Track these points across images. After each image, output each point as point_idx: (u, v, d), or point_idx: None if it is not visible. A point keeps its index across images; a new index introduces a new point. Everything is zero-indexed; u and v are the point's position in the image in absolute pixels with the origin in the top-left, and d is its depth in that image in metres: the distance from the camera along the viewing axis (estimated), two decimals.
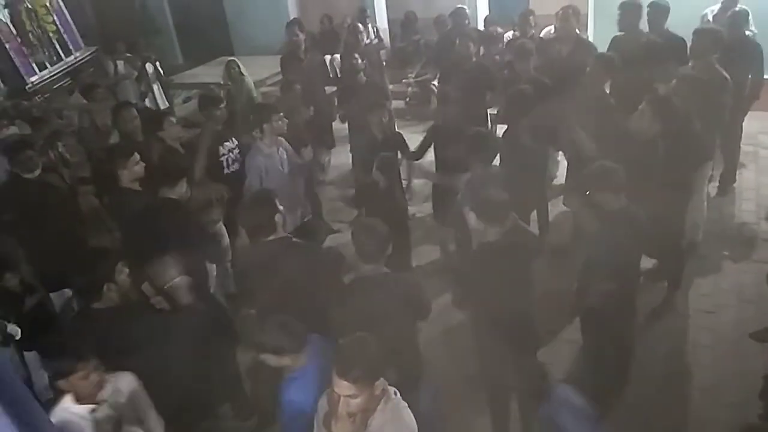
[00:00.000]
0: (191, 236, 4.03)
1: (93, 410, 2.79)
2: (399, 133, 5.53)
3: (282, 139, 4.93)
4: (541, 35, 7.16)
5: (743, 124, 6.06)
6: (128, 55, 8.73)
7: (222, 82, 7.54)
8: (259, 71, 8.34)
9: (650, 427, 3.90)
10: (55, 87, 9.02)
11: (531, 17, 7.05)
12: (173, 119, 5.25)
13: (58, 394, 2.82)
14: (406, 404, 2.51)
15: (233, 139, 5.29)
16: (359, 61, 6.63)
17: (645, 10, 5.74)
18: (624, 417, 3.96)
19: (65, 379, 2.74)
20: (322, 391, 2.61)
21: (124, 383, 2.96)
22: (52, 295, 4.58)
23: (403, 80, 9.16)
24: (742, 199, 6.17)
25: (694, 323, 4.72)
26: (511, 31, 7.86)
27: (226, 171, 5.19)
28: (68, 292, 4.53)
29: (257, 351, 2.81)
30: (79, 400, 2.80)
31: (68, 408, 2.79)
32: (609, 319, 3.69)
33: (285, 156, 4.88)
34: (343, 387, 2.31)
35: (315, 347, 2.87)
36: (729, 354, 4.33)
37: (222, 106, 5.35)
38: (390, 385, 2.49)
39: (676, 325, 4.70)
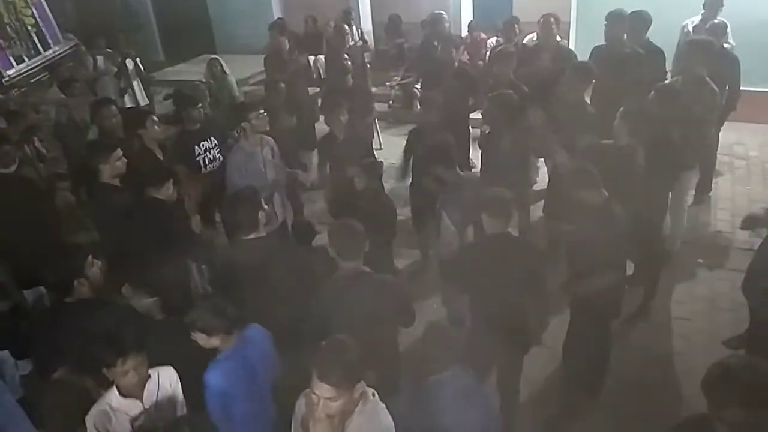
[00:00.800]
0: (173, 235, 3.99)
1: (135, 419, 2.84)
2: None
3: (269, 138, 4.90)
4: (524, 42, 7.23)
5: (719, 134, 6.17)
6: (108, 50, 8.62)
7: (204, 80, 7.47)
8: (241, 70, 8.30)
9: None
10: (32, 81, 8.89)
11: (516, 24, 7.12)
12: (155, 118, 5.19)
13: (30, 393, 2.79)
14: (384, 406, 2.50)
15: (211, 138, 5.23)
16: (348, 63, 6.62)
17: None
18: (598, 423, 3.99)
19: (109, 369, 2.76)
20: (250, 379, 2.68)
21: (166, 377, 2.98)
22: (25, 292, 4.50)
23: (387, 83, 9.17)
24: (717, 208, 6.27)
25: (668, 330, 4.78)
26: (495, 38, 7.91)
27: (204, 171, 5.16)
28: (42, 288, 4.45)
29: (189, 330, 2.87)
30: (124, 393, 2.83)
31: (110, 401, 2.82)
32: (593, 316, 3.72)
33: (270, 156, 4.85)
34: (323, 390, 2.29)
35: (250, 335, 2.97)
36: (703, 361, 4.37)
37: (199, 105, 5.30)
38: (369, 386, 2.48)
39: (651, 332, 4.75)
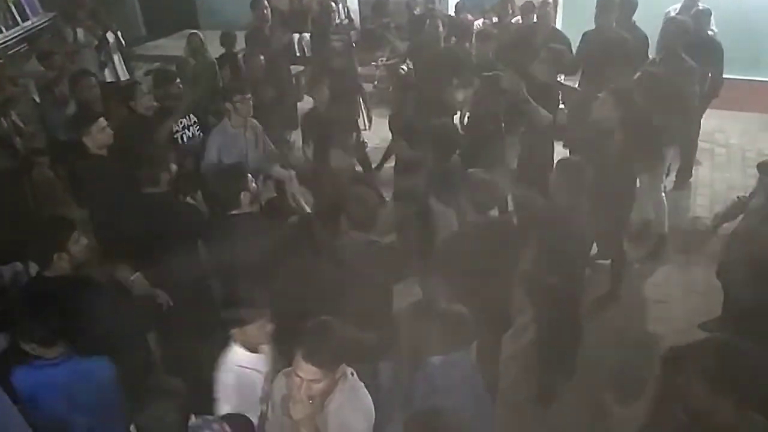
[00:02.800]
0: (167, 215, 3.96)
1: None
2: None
3: (254, 122, 4.85)
4: (515, 23, 7.24)
5: (701, 121, 6.22)
6: (89, 23, 8.43)
7: (184, 56, 7.35)
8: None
9: (599, 415, 4.01)
10: (9, 53, 8.68)
11: (509, 4, 7.13)
12: (143, 88, 5.10)
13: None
14: (363, 385, 2.51)
15: (190, 115, 5.16)
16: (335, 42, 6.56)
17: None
18: (574, 405, 4.06)
19: (240, 328, 2.70)
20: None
21: None
22: (1, 267, 4.44)
23: (372, 63, 9.09)
24: (697, 194, 6.35)
25: (645, 313, 4.86)
26: (482, 20, 7.87)
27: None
28: (19, 265, 4.39)
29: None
30: (249, 350, 2.78)
31: (241, 360, 2.75)
32: (562, 297, 3.77)
33: (253, 138, 4.81)
34: (308, 371, 2.27)
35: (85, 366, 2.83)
36: (678, 344, 4.45)
37: (177, 81, 5.21)
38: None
39: (627, 315, 4.83)
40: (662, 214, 5.44)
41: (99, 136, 4.21)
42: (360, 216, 3.27)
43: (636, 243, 5.42)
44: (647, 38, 5.80)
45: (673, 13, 6.64)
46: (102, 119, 4.27)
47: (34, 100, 6.56)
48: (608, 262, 4.96)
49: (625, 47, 5.54)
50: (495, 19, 7.51)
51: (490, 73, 4.86)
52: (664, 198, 5.42)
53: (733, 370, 2.11)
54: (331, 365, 2.32)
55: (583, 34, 6.00)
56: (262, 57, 6.01)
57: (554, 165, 3.90)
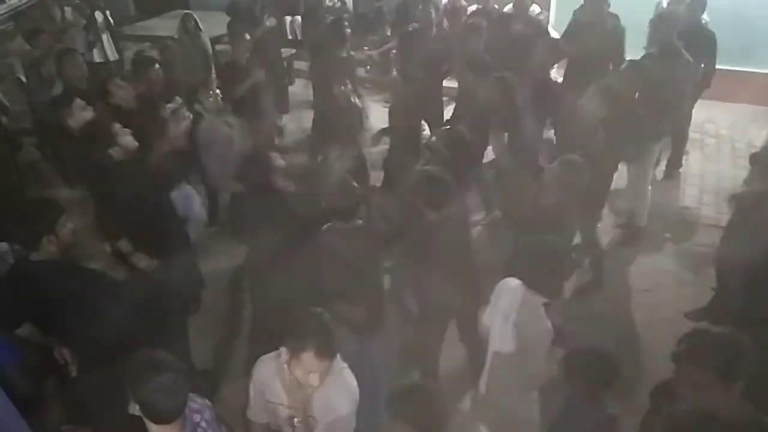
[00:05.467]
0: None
1: None
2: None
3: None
4: (504, 10, 7.18)
5: (692, 111, 6.24)
6: (77, 1, 8.29)
7: (176, 36, 7.25)
8: (214, 28, 8.05)
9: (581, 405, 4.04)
10: None
11: None
12: (120, 82, 5.00)
13: None
14: (346, 365, 2.52)
15: (177, 98, 5.08)
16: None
17: None
18: (558, 391, 4.08)
19: None
20: None
21: None
22: None
23: (365, 47, 9.03)
24: (686, 184, 6.37)
25: (631, 300, 4.88)
26: (476, 5, 7.81)
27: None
28: (4, 245, 4.34)
29: None
30: None
31: None
32: None
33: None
34: (319, 365, 2.27)
35: None
36: (664, 332, 4.49)
37: (155, 66, 5.14)
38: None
39: (613, 303, 4.85)
40: (642, 207, 5.45)
41: (82, 114, 4.14)
42: (341, 206, 3.26)
43: (621, 231, 5.45)
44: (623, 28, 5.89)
45: (665, 3, 6.63)
46: (77, 99, 4.19)
47: (20, 79, 6.45)
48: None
49: (614, 38, 5.57)
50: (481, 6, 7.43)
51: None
52: (649, 191, 5.42)
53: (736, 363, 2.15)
54: (334, 356, 2.33)
55: (570, 23, 6.04)
56: (248, 36, 5.91)
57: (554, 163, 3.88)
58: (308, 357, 2.26)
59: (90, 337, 2.99)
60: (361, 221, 3.37)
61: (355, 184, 3.36)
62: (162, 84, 5.10)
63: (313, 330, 2.30)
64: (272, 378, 2.48)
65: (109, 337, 2.99)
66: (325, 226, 3.31)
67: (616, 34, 5.71)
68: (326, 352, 2.27)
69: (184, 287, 3.98)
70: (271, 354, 2.49)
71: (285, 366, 2.36)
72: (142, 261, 3.69)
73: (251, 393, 2.58)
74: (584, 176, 3.61)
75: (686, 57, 5.03)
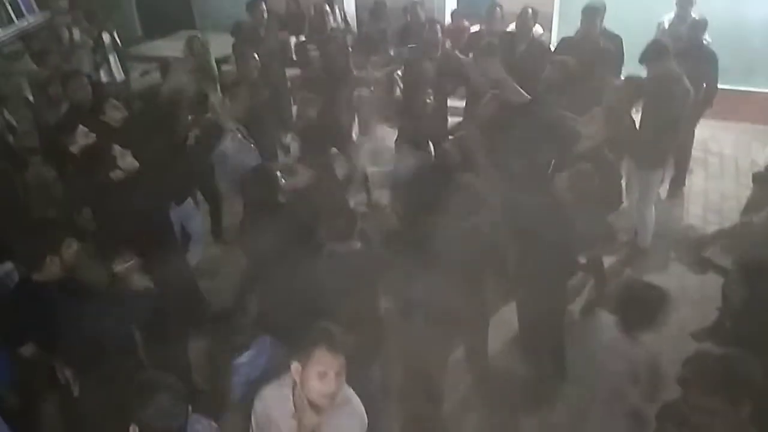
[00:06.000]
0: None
1: None
2: None
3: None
4: (507, 30, 7.23)
5: (695, 131, 6.25)
6: (85, 23, 8.40)
7: (182, 57, 7.32)
8: (220, 48, 8.13)
9: (587, 422, 4.00)
10: (4, 51, 8.63)
11: (498, 8, 7.09)
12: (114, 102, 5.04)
13: None
14: (354, 392, 2.49)
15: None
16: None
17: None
18: (564, 411, 4.05)
19: None
20: None
21: None
22: None
23: (369, 67, 9.08)
24: (690, 203, 6.37)
25: None
26: (478, 26, 7.88)
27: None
28: (9, 265, 4.35)
29: None
30: None
31: None
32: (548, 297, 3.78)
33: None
34: (334, 364, 2.25)
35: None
36: (670, 352, 4.46)
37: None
38: (350, 354, 2.47)
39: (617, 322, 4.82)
40: (645, 228, 5.43)
41: (84, 140, 4.19)
42: (337, 227, 3.26)
43: (619, 250, 5.44)
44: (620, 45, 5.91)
45: (666, 23, 6.68)
46: (81, 127, 4.24)
47: (27, 98, 6.51)
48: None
49: (610, 57, 5.62)
50: (484, 27, 7.48)
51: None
52: (653, 212, 5.40)
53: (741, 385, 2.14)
54: (347, 352, 2.30)
55: (560, 41, 6.08)
56: (256, 55, 5.97)
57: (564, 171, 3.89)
58: (320, 354, 2.24)
59: (91, 356, 3.00)
60: (359, 244, 3.35)
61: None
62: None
63: (323, 330, 2.31)
64: (277, 408, 2.42)
65: (109, 356, 3.00)
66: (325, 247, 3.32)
67: (606, 54, 5.71)
68: (338, 346, 2.26)
69: (184, 305, 4.00)
70: (273, 383, 2.47)
71: (291, 396, 2.32)
72: (143, 281, 3.68)
73: (253, 426, 2.53)
74: (594, 184, 3.60)
75: (685, 84, 5.04)
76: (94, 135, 4.25)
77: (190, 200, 5.05)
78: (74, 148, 4.18)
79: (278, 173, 3.94)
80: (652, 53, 5.00)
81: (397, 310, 3.79)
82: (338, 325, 2.39)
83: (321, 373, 2.25)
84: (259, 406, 2.49)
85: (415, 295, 3.52)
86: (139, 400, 2.15)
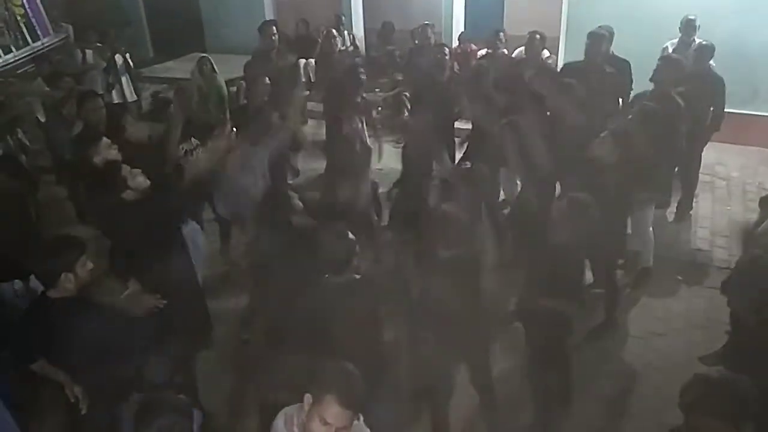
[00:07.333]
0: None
1: None
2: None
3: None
4: (513, 55, 7.33)
5: (702, 154, 6.27)
6: (98, 44, 8.55)
7: (191, 78, 7.43)
8: (231, 70, 8.25)
9: None
10: (19, 72, 8.78)
11: (501, 33, 7.24)
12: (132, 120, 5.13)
13: None
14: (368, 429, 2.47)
15: (191, 139, 5.16)
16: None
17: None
18: None
19: None
20: None
21: None
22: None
23: (376, 90, 9.19)
24: (697, 227, 6.35)
25: (645, 344, 4.83)
26: (485, 49, 7.98)
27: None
28: (18, 282, 4.39)
29: None
30: None
31: None
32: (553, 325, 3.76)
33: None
34: (342, 417, 2.20)
35: None
36: (678, 377, 4.43)
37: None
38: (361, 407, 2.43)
39: (626, 346, 4.81)
40: (646, 247, 5.41)
41: (108, 151, 4.24)
42: (332, 258, 3.21)
43: (624, 273, 5.42)
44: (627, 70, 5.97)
45: (670, 48, 6.73)
46: (104, 138, 4.29)
47: (38, 119, 6.61)
48: (603, 291, 4.95)
49: (614, 82, 5.67)
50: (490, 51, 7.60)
51: None
52: (651, 232, 5.38)
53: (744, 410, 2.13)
54: (358, 408, 2.26)
55: (564, 66, 6.14)
56: (267, 79, 6.05)
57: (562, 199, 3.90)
58: (330, 405, 2.18)
59: (100, 374, 3.01)
60: (357, 276, 3.28)
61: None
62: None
63: (340, 373, 2.27)
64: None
65: (119, 375, 3.01)
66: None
67: (610, 79, 5.76)
68: (351, 401, 2.20)
69: (191, 325, 4.01)
70: (297, 405, 2.42)
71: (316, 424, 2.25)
72: (150, 299, 3.71)
73: None
74: (592, 214, 3.62)
75: (678, 101, 5.08)
76: (116, 147, 4.28)
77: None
78: (98, 159, 4.20)
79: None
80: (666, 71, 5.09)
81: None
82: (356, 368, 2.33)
83: (324, 421, 2.20)
84: (278, 423, 2.48)
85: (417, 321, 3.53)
86: (143, 419, 2.16)
